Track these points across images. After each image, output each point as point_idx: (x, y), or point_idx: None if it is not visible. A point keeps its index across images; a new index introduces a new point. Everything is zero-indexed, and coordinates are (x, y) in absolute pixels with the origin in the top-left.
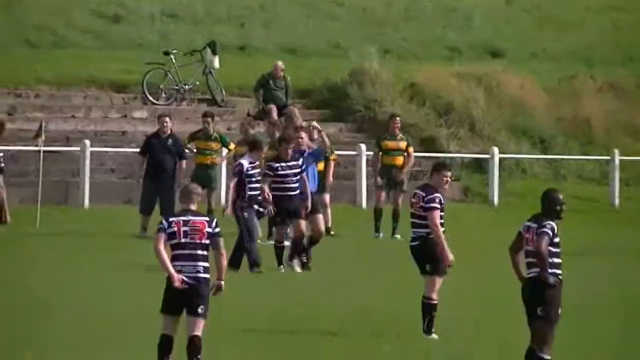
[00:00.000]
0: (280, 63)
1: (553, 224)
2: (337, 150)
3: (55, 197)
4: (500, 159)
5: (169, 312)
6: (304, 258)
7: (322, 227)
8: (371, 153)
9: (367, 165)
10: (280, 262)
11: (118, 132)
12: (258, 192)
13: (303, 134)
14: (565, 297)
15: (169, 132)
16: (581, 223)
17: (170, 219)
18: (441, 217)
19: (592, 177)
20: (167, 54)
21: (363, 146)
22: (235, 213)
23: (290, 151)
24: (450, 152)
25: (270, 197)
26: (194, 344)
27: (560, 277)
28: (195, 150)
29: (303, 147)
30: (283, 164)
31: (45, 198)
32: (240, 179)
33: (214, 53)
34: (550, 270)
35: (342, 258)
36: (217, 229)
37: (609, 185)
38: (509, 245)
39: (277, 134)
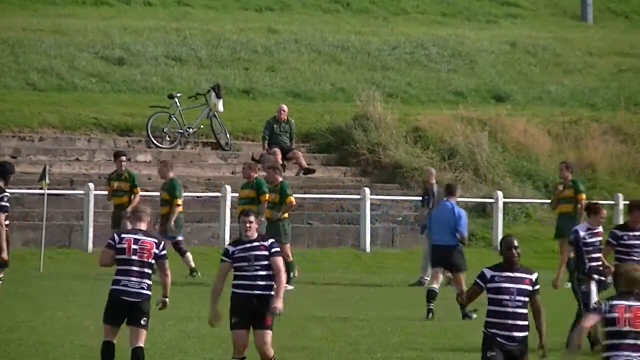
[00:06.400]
0: (284, 106)
1: (485, 270)
2: (340, 194)
3: (60, 241)
4: (505, 204)
5: (113, 323)
6: None
7: None
8: (376, 197)
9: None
10: None
11: None
12: (599, 262)
13: None
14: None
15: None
16: None
17: (123, 235)
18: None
19: None
20: (171, 97)
21: (367, 190)
22: (573, 287)
23: None
24: None
25: (612, 268)
26: (137, 355)
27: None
28: (112, 193)
29: None
30: (630, 234)
31: (50, 241)
32: (579, 248)
33: (219, 97)
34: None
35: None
36: (164, 252)
37: None
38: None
39: (279, 179)
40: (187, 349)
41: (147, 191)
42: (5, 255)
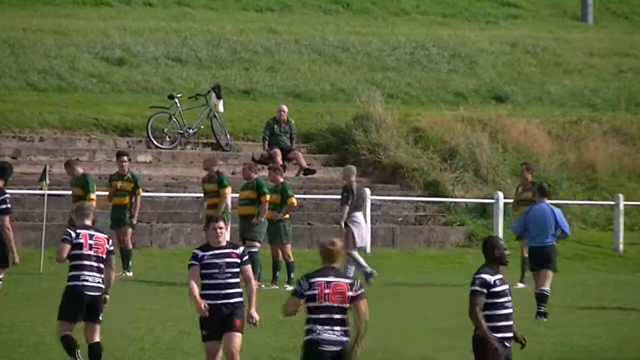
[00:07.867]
0: (284, 106)
1: (484, 276)
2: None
3: (59, 241)
4: (505, 204)
5: (72, 319)
6: None
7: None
8: (377, 197)
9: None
10: None
11: None
12: None
13: None
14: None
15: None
16: (585, 268)
17: (78, 231)
18: None
19: (596, 222)
20: (171, 97)
21: (367, 190)
22: None
23: None
24: (454, 197)
25: None
26: (98, 348)
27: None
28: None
29: None
30: None
31: (50, 241)
32: None
33: (219, 97)
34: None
35: None
36: (112, 247)
37: (613, 231)
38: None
39: (280, 179)
40: (188, 349)
41: (147, 191)
42: (17, 259)
